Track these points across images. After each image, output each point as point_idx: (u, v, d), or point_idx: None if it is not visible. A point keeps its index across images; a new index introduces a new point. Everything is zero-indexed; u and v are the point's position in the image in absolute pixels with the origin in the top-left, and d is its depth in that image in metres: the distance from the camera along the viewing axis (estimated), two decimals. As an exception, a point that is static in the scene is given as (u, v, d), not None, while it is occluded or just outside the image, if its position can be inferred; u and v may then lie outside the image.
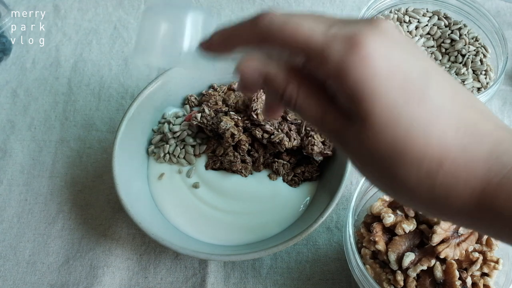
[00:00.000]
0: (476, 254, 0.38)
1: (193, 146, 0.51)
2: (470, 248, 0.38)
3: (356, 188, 0.40)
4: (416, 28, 0.52)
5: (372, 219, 0.41)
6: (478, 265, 0.37)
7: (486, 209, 0.22)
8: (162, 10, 0.32)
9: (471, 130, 0.22)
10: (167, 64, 0.39)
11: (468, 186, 0.22)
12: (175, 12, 0.31)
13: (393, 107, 0.22)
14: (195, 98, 0.54)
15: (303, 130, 0.50)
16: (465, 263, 0.38)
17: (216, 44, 0.27)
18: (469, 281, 0.37)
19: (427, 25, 0.53)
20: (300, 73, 0.25)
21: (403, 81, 0.22)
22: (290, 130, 0.50)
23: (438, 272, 0.37)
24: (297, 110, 0.25)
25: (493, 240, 0.39)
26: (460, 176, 0.22)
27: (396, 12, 0.53)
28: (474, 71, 0.49)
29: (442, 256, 0.36)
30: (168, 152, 0.51)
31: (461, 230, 0.38)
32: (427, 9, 0.54)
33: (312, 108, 0.24)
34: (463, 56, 0.50)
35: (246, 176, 0.50)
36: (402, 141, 0.22)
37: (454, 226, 0.38)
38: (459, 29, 0.52)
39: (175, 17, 0.31)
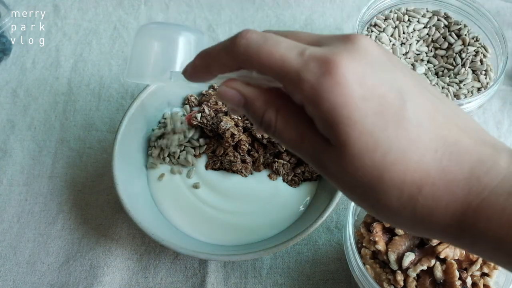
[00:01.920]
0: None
1: (193, 147, 0.51)
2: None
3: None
4: (414, 30, 0.52)
5: (372, 219, 0.41)
6: (478, 265, 0.37)
7: (468, 231, 0.21)
8: (155, 31, 0.32)
9: (450, 150, 0.22)
10: (160, 83, 0.39)
11: (449, 209, 0.22)
12: (168, 33, 0.32)
13: (370, 133, 0.21)
14: (195, 98, 0.54)
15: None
16: (465, 263, 0.38)
17: (198, 71, 0.27)
18: (469, 281, 0.37)
19: (425, 26, 0.53)
20: (281, 96, 0.24)
21: (378, 105, 0.21)
22: (290, 130, 0.50)
23: (438, 272, 0.37)
24: (276, 136, 0.25)
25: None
26: (440, 199, 0.22)
27: (396, 11, 0.53)
28: (474, 71, 0.49)
29: (442, 256, 0.36)
30: (169, 152, 0.51)
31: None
32: (427, 9, 0.54)
33: (291, 133, 0.24)
34: (462, 58, 0.50)
35: (246, 176, 0.50)
36: (381, 167, 0.21)
37: None
38: (459, 29, 0.52)
39: (167, 38, 0.31)
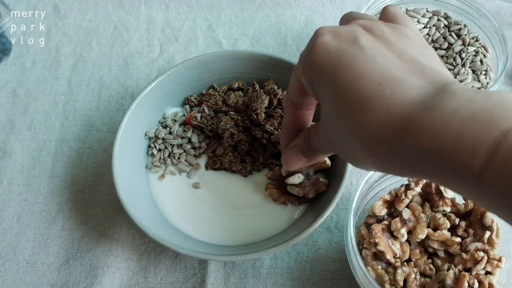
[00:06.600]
0: (481, 254, 0.38)
1: (193, 147, 0.51)
2: (472, 247, 0.38)
3: (356, 188, 0.40)
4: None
5: (373, 219, 0.41)
6: (483, 265, 0.37)
7: (409, 139, 0.23)
8: None
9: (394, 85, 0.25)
10: None
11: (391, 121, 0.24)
12: None
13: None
14: (195, 98, 0.54)
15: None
16: (470, 263, 0.38)
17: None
18: (476, 285, 0.37)
19: (425, 26, 0.53)
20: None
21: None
22: (290, 130, 0.50)
23: (449, 279, 0.37)
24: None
25: (495, 239, 0.39)
26: (383, 123, 0.24)
27: (396, 12, 0.53)
28: (474, 71, 0.49)
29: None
30: (169, 152, 0.50)
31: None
32: (427, 9, 0.54)
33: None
34: (462, 58, 0.50)
35: (246, 176, 0.50)
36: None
37: None
38: (459, 29, 0.52)
39: None
